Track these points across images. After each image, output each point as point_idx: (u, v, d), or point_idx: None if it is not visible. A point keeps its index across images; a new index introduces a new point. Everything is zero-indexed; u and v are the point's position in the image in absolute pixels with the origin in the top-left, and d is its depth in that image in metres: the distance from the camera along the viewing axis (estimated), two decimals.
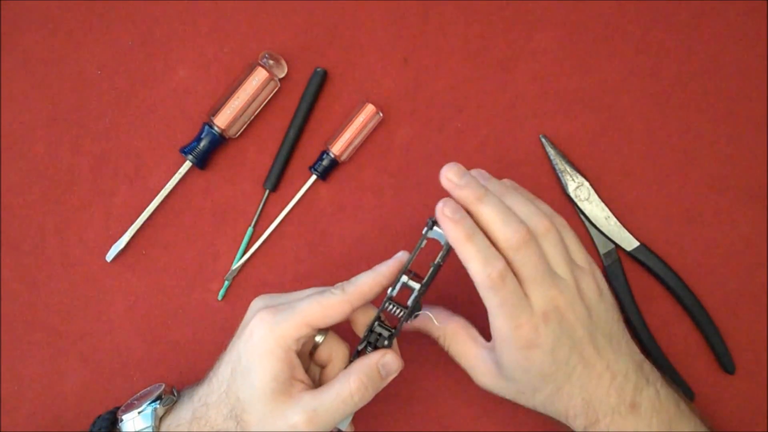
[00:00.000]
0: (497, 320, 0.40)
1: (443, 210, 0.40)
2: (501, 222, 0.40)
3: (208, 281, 0.54)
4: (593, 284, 0.43)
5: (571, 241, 0.44)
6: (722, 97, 0.55)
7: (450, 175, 0.42)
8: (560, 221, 0.44)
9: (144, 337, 0.54)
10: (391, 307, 0.43)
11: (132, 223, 0.54)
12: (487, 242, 0.40)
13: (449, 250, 0.42)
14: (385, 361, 0.43)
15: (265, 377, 0.40)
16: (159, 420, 0.44)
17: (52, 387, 0.53)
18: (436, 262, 0.42)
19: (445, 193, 0.42)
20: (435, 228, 0.42)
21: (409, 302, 0.43)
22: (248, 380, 0.41)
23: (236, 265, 0.54)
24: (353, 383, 0.41)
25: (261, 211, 0.55)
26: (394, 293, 0.43)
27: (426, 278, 0.42)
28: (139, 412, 0.44)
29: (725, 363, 0.51)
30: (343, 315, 0.42)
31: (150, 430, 0.43)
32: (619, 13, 0.56)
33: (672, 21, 0.56)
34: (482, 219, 0.41)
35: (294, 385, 0.41)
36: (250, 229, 0.54)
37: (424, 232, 0.42)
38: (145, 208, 0.54)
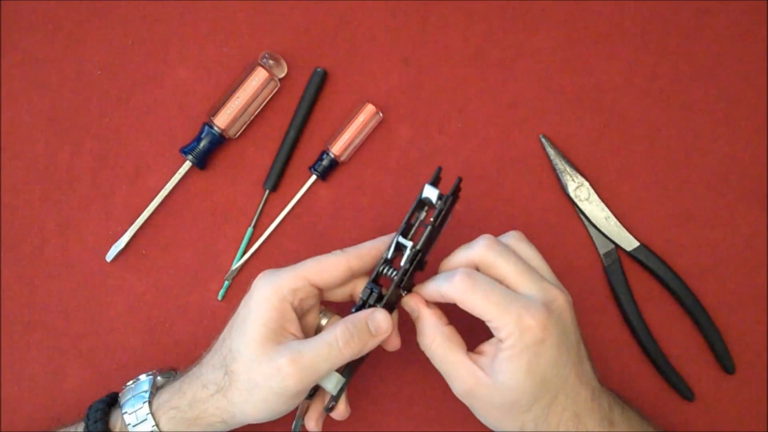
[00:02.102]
0: (493, 318, 0.40)
1: (405, 298, 0.44)
2: (465, 246, 0.42)
3: (208, 281, 0.54)
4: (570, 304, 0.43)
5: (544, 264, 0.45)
6: (722, 97, 0.55)
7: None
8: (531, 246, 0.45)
9: (144, 337, 0.54)
10: (386, 269, 0.43)
11: (132, 223, 0.54)
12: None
13: (443, 213, 0.43)
14: (375, 317, 0.42)
15: (257, 324, 0.41)
16: (157, 389, 0.45)
17: (52, 387, 0.53)
18: (430, 222, 0.43)
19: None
20: (426, 186, 0.43)
21: (402, 262, 0.43)
22: (242, 330, 0.42)
23: (236, 265, 0.54)
24: (338, 329, 0.41)
25: (261, 211, 0.55)
26: (389, 255, 0.43)
27: (421, 238, 0.42)
28: (136, 382, 0.46)
29: (725, 363, 0.51)
30: (340, 273, 0.43)
31: (147, 394, 0.44)
32: (619, 13, 0.56)
33: (672, 21, 0.56)
34: (450, 265, 0.43)
35: (285, 335, 0.42)
36: (250, 229, 0.54)
37: (419, 195, 0.43)
38: (145, 208, 0.54)
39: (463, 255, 0.42)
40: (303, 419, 0.45)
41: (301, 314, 0.44)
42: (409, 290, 0.44)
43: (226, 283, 0.54)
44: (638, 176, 0.54)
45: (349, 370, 0.43)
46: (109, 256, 0.54)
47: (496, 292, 0.40)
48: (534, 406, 0.41)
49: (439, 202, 0.43)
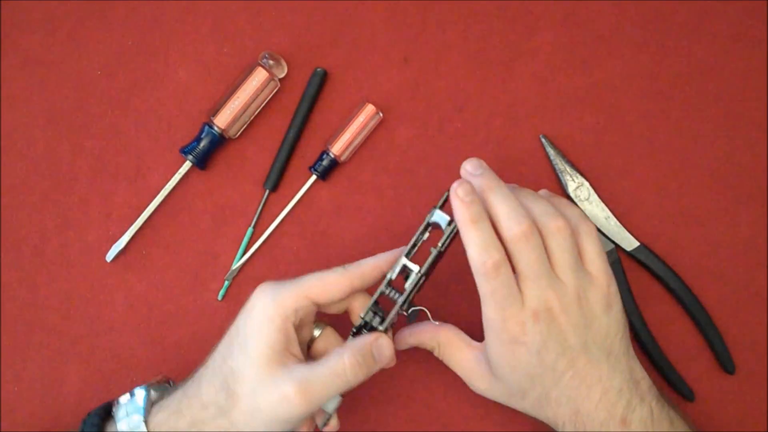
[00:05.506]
0: (487, 308, 0.41)
1: (456, 190, 0.41)
2: (506, 213, 0.41)
3: (208, 281, 0.54)
4: (601, 296, 0.42)
5: (591, 248, 0.43)
6: (722, 97, 0.55)
7: (468, 166, 0.42)
8: (586, 227, 0.43)
9: (144, 337, 0.54)
10: (388, 291, 0.43)
11: (132, 223, 0.54)
12: (492, 231, 0.41)
13: (451, 237, 0.42)
14: (379, 344, 0.42)
15: (261, 344, 0.41)
16: (151, 404, 0.44)
17: (52, 387, 0.53)
18: (437, 247, 0.43)
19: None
20: (437, 211, 0.42)
21: (407, 285, 0.43)
22: (244, 349, 0.41)
23: (236, 265, 0.54)
24: (347, 359, 0.41)
25: (261, 211, 0.55)
26: (394, 276, 0.43)
27: (426, 262, 0.42)
28: (131, 395, 0.44)
29: (725, 363, 0.51)
30: (342, 292, 0.43)
31: (141, 411, 0.43)
32: (619, 13, 0.56)
33: (672, 21, 0.56)
34: (490, 208, 0.41)
35: (289, 357, 0.41)
36: (250, 229, 0.54)
37: (427, 218, 0.43)
38: (145, 208, 0.54)
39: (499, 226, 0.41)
40: None
41: (297, 328, 0.44)
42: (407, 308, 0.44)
43: (226, 283, 0.54)
44: (638, 176, 0.54)
45: None
46: (109, 256, 0.54)
47: (503, 293, 0.40)
48: (527, 396, 0.43)
49: (449, 227, 0.43)
